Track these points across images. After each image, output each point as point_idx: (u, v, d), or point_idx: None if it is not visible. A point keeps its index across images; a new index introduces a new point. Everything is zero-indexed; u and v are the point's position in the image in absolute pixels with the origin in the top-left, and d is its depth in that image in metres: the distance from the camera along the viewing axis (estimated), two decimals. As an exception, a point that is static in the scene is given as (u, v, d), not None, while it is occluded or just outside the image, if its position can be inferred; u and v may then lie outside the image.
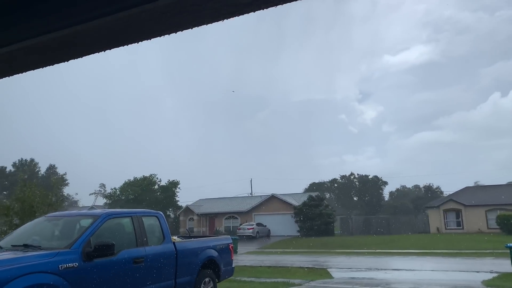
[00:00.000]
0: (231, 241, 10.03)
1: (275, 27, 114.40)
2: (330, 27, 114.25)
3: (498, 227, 36.78)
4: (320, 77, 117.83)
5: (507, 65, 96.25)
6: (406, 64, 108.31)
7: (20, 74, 1.31)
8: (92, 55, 1.22)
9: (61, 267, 5.59)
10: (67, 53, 1.27)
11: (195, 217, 52.38)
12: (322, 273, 15.87)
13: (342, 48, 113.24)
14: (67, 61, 1.33)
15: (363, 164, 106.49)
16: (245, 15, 0.95)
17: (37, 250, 5.92)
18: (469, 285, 12.17)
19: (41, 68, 1.33)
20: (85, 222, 6.68)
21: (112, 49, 1.21)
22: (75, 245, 6.01)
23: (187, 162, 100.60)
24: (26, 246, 6.08)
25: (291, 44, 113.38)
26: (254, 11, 0.94)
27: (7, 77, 1.33)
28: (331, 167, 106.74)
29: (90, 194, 79.45)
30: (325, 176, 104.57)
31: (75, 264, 5.78)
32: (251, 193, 59.45)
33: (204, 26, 1.04)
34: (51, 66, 1.35)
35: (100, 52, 1.30)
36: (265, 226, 46.19)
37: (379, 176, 70.44)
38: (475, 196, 42.70)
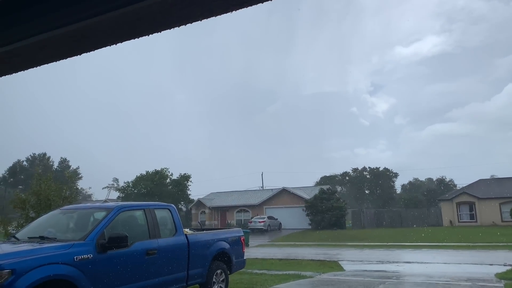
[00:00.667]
0: (242, 234, 10.09)
1: (286, 19, 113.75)
2: (341, 19, 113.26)
3: (512, 220, 36.34)
4: (332, 70, 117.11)
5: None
6: (418, 56, 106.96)
7: (33, 68, 1.34)
8: (103, 49, 1.25)
9: (76, 258, 5.70)
10: (79, 47, 1.30)
11: (207, 211, 52.76)
12: (333, 265, 15.89)
13: (354, 40, 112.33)
14: (79, 54, 1.35)
15: (375, 157, 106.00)
16: (254, 6, 0.96)
17: (52, 242, 6.05)
18: (482, 278, 12.06)
19: (54, 62, 1.36)
20: (99, 215, 6.79)
21: (123, 43, 1.24)
22: (89, 237, 6.12)
23: (198, 156, 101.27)
24: (42, 238, 6.22)
25: (302, 37, 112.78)
26: (262, 2, 0.95)
27: (20, 72, 1.36)
28: (342, 160, 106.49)
29: (103, 188, 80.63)
30: (337, 169, 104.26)
31: (90, 255, 5.89)
32: (262, 187, 59.64)
33: (214, 18, 1.05)
34: (64, 60, 1.38)
35: (111, 46, 1.32)
36: (276, 219, 46.31)
37: (390, 168, 70.00)
38: (489, 188, 42.16)
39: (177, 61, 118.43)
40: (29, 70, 1.34)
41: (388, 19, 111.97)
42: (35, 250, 5.60)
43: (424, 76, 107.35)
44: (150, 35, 1.19)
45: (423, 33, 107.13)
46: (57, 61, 1.35)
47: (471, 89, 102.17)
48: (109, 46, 1.35)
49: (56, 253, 5.63)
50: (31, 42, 1.16)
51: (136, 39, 1.27)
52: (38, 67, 1.34)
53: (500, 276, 12.02)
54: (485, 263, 15.54)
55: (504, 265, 14.39)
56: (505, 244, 22.28)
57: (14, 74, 1.38)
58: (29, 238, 6.47)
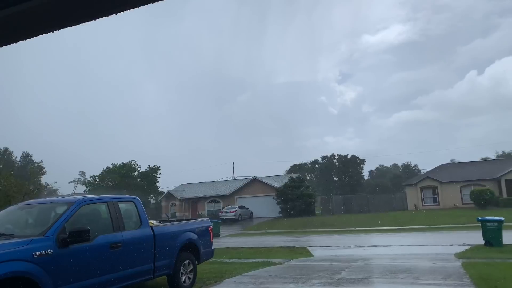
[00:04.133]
0: (210, 224, 10.10)
1: (257, 7, 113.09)
2: (312, 7, 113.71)
3: (472, 202, 38.10)
4: (302, 59, 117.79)
5: (484, 42, 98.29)
6: (385, 44, 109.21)
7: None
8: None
9: (35, 254, 5.53)
10: (12, 34, 1.24)
11: (177, 202, 52.34)
12: (303, 252, 16.18)
13: (323, 29, 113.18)
14: (13, 43, 1.29)
15: (344, 144, 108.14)
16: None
17: (10, 238, 5.84)
18: (443, 258, 12.63)
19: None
20: (59, 209, 6.60)
21: (81, 29, 1.19)
22: (49, 232, 5.95)
23: (168, 148, 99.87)
24: (-2, 235, 5.99)
25: (273, 26, 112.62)
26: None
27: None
28: (312, 149, 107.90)
29: (69, 182, 78.05)
30: (307, 157, 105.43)
31: (50, 251, 5.73)
32: (233, 177, 59.66)
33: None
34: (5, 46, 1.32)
35: (48, 33, 1.27)
36: (248, 208, 46.59)
37: (358, 155, 71.62)
38: (451, 173, 43.98)
39: (145, 50, 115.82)
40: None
41: (357, 8, 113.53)
42: (-10, 248, 5.38)
43: (390, 64, 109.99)
44: (109, 20, 1.15)
45: (389, 22, 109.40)
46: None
47: (435, 77, 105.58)
48: (51, 33, 1.30)
49: (13, 249, 5.44)
50: None
51: (74, 26, 1.22)
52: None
53: (458, 256, 12.63)
54: (446, 243, 16.27)
55: (463, 245, 15.11)
56: (465, 225, 23.38)
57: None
58: (-15, 235, 6.21)
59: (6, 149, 75.09)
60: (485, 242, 14.38)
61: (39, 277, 5.48)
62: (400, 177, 66.17)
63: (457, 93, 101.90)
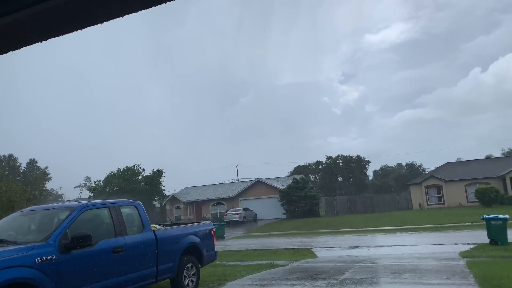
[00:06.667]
0: (213, 227, 10.11)
1: (259, 10, 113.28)
2: (314, 8, 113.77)
3: (477, 200, 37.88)
4: (304, 60, 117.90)
5: (487, 39, 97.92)
6: (387, 43, 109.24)
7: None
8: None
9: (38, 260, 5.57)
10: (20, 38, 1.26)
11: (182, 205, 52.41)
12: (307, 253, 16.15)
13: (325, 29, 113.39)
14: (20, 48, 1.30)
15: (348, 144, 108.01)
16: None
17: (12, 245, 5.88)
18: (448, 257, 12.57)
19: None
20: (61, 215, 6.64)
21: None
22: (51, 238, 5.98)
23: (171, 151, 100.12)
24: (1, 242, 6.03)
25: (276, 27, 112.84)
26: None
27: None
28: (316, 150, 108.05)
29: (75, 187, 78.40)
30: (311, 158, 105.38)
31: (52, 256, 5.76)
32: (237, 179, 59.70)
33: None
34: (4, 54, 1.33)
35: (37, 43, 1.29)
36: (252, 210, 46.56)
37: (362, 156, 71.44)
38: (455, 171, 43.78)
39: (148, 53, 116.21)
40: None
41: (359, 7, 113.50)
42: (-7, 254, 5.42)
43: (393, 63, 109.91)
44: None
45: (391, 20, 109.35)
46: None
47: (438, 75, 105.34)
48: (39, 43, 1.32)
49: (16, 255, 5.48)
50: None
51: (62, 36, 1.24)
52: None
53: (463, 255, 12.56)
54: (451, 242, 16.18)
55: (468, 244, 15.03)
56: (470, 224, 23.24)
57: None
58: (-12, 242, 6.26)
59: (11, 155, 75.56)
60: (490, 241, 14.29)
61: (42, 282, 5.52)
62: (404, 177, 65.91)
63: (461, 91, 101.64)
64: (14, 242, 6.04)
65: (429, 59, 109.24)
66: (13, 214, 7.53)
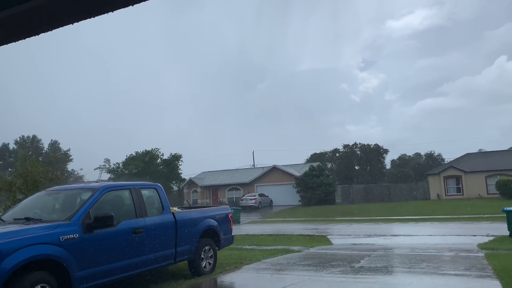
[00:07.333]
0: (230, 211, 10.22)
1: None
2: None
3: (497, 192, 37.15)
4: (324, 46, 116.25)
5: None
6: (409, 29, 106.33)
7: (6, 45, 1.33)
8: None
9: (62, 238, 5.76)
10: (41, 24, 1.29)
11: (199, 189, 53.06)
12: (322, 240, 16.20)
13: (347, 14, 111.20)
14: (45, 32, 1.33)
15: (366, 133, 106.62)
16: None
17: (38, 223, 6.08)
18: (465, 248, 12.43)
19: (19, 41, 1.35)
20: (84, 195, 6.82)
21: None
22: (75, 217, 6.17)
23: (190, 135, 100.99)
24: (27, 219, 6.24)
25: (296, 13, 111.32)
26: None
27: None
28: (333, 137, 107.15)
29: (95, 169, 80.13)
30: (328, 146, 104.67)
31: (76, 235, 5.95)
32: (254, 165, 59.91)
33: None
34: (22, 40, 1.37)
35: (38, 34, 1.30)
36: (267, 196, 46.80)
37: (380, 144, 70.54)
38: (476, 162, 42.91)
39: (169, 38, 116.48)
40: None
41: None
42: (20, 231, 5.63)
43: (415, 50, 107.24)
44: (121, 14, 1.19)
45: (415, 6, 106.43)
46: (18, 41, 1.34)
47: (462, 63, 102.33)
48: (73, 24, 1.34)
49: (41, 233, 5.67)
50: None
51: (71, 24, 1.25)
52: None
53: (482, 247, 12.39)
54: (469, 234, 15.98)
55: (487, 236, 14.82)
56: (490, 215, 22.87)
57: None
58: (15, 219, 6.50)
59: (34, 137, 77.46)
60: (510, 233, 14.05)
61: (66, 259, 5.71)
62: (423, 166, 64.99)
63: (485, 80, 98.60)
64: (40, 220, 6.25)
65: (453, 47, 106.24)
66: (38, 193, 7.77)
